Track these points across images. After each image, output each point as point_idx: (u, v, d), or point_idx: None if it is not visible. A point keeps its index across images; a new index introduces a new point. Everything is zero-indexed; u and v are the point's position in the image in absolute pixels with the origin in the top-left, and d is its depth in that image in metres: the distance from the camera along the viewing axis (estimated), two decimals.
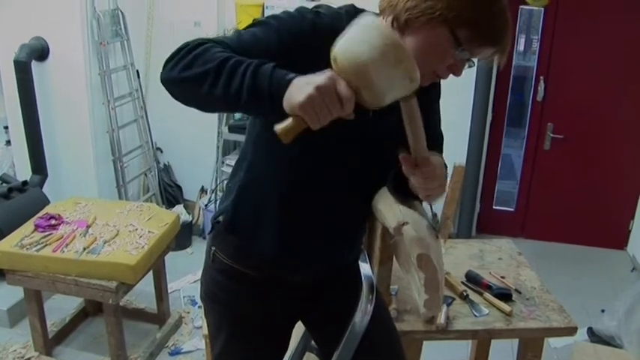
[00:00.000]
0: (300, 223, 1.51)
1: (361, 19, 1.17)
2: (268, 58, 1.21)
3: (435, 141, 1.53)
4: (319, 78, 1.11)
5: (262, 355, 1.71)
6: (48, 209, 3.17)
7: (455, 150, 4.51)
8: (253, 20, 1.39)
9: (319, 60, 1.17)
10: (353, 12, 1.39)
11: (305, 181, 1.47)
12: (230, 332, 1.67)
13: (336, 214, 1.53)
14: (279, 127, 1.15)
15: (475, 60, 1.35)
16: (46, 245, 2.80)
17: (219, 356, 1.72)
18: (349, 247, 1.68)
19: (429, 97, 1.50)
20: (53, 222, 2.98)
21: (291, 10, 1.37)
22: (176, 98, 1.31)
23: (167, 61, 1.29)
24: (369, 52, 1.11)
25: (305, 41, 1.29)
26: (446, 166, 1.52)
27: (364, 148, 1.42)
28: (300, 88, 1.11)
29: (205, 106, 1.32)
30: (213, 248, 1.61)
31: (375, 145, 1.40)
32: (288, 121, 1.14)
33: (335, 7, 1.41)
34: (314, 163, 1.43)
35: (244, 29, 1.37)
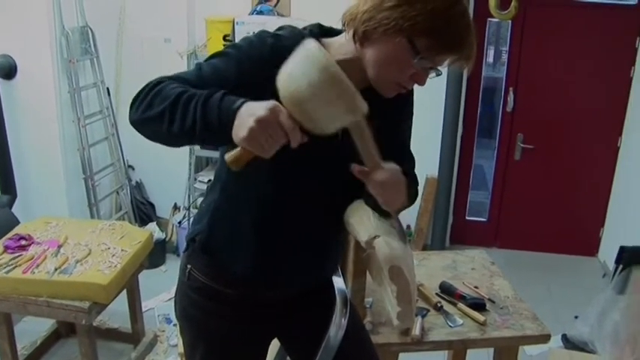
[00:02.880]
0: (275, 242, 1.51)
1: (302, 49, 1.14)
2: (228, 88, 1.23)
3: (403, 161, 1.45)
4: (261, 110, 1.12)
5: None
6: (17, 230, 3.11)
7: (427, 162, 4.56)
8: (214, 52, 1.41)
9: None
10: (317, 32, 1.40)
11: (278, 202, 1.46)
12: (205, 351, 1.66)
13: (311, 231, 1.53)
14: (227, 157, 1.17)
15: (442, 68, 1.33)
16: (16, 267, 2.74)
17: None
18: (326, 263, 1.68)
19: (398, 116, 1.52)
20: (23, 243, 2.93)
21: (253, 35, 1.38)
22: (147, 138, 1.32)
23: (132, 103, 1.31)
24: (306, 89, 1.11)
25: (266, 66, 1.27)
26: (415, 181, 1.55)
27: (334, 167, 1.40)
28: (243, 122, 1.13)
29: (171, 143, 1.32)
30: (189, 266, 1.60)
31: (345, 162, 1.36)
32: (237, 151, 1.16)
33: (299, 27, 1.41)
34: (286, 185, 1.43)
35: (205, 61, 1.38)
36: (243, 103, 1.16)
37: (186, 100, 1.21)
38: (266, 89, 1.20)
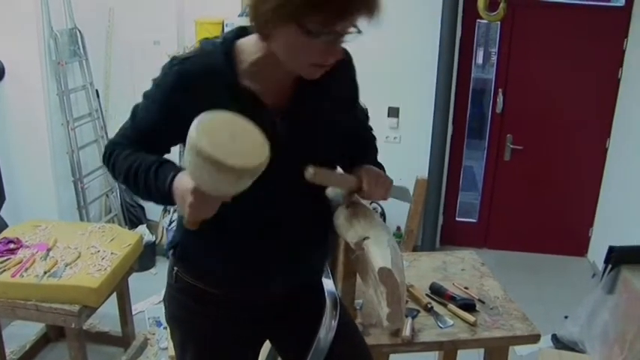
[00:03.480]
0: (248, 248, 1.50)
1: (191, 134, 1.16)
2: (161, 128, 1.39)
3: (366, 127, 1.67)
4: (179, 196, 1.25)
5: None
6: (6, 233, 3.09)
7: (417, 163, 4.58)
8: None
9: (208, 96, 1.30)
10: (232, 37, 1.42)
11: (245, 214, 1.45)
12: (195, 352, 1.65)
13: (283, 234, 1.51)
14: (184, 221, 1.29)
15: (353, 29, 1.28)
16: (5, 270, 2.73)
17: None
18: (308, 264, 1.65)
19: (346, 88, 1.52)
20: (12, 246, 2.91)
21: (166, 63, 1.43)
22: None
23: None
24: (203, 182, 1.18)
25: (176, 94, 1.34)
26: (379, 165, 1.62)
27: (281, 174, 1.35)
28: (179, 203, 1.27)
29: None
30: (175, 268, 1.60)
31: (289, 165, 1.36)
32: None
33: (217, 40, 1.42)
34: (247, 205, 1.38)
35: (137, 105, 1.47)
36: (170, 183, 1.28)
37: (133, 179, 1.38)
38: (192, 113, 1.21)
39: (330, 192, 1.57)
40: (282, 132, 1.36)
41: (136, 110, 1.46)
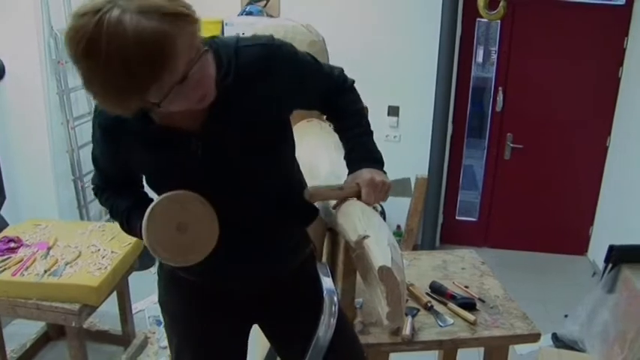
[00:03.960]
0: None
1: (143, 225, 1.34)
2: (121, 170, 1.51)
3: (330, 87, 1.62)
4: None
5: None
6: (6, 232, 3.09)
7: (417, 162, 4.57)
8: None
9: (129, 142, 1.39)
10: None
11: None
12: (182, 338, 1.71)
13: (246, 224, 1.51)
14: None
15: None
16: (5, 269, 2.73)
17: None
18: (278, 252, 1.63)
19: (272, 91, 1.42)
20: (12, 245, 2.92)
21: None
22: None
23: None
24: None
25: (110, 142, 1.44)
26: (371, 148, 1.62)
27: (222, 171, 1.41)
28: None
29: None
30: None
31: (231, 161, 1.41)
32: None
33: None
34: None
35: (93, 153, 1.55)
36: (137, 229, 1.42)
37: (117, 219, 1.57)
38: (131, 154, 1.42)
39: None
40: (204, 154, 1.37)
41: (93, 155, 1.55)
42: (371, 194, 1.53)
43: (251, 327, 1.78)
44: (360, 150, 1.61)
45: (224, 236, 1.45)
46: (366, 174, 1.54)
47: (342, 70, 1.66)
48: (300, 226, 1.67)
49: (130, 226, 1.51)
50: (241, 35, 1.47)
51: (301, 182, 1.63)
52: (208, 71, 1.23)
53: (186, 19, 1.15)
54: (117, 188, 1.58)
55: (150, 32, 1.07)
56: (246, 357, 1.81)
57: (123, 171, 1.52)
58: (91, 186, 1.66)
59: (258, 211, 1.51)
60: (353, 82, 1.68)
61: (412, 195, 1.66)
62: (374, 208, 1.53)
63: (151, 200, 1.46)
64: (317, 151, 1.91)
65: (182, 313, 1.69)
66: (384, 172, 1.60)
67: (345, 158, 1.64)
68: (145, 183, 1.53)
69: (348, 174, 1.60)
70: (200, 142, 1.36)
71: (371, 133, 1.66)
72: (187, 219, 1.35)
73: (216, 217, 1.38)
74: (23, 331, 3.35)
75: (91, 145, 1.54)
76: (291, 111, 1.55)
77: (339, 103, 1.63)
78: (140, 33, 1.07)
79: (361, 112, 1.67)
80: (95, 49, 1.08)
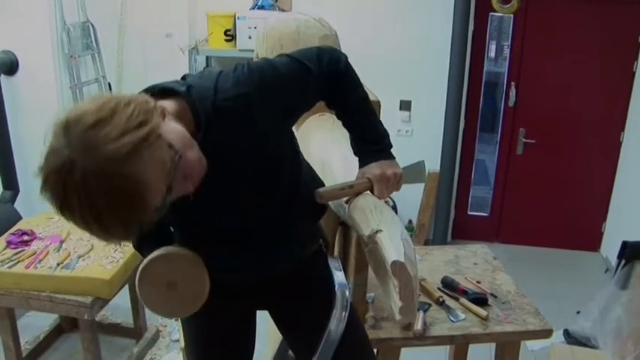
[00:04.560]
0: (223, 248, 1.51)
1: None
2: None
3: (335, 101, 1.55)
4: None
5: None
6: (20, 225, 3.12)
7: (429, 156, 4.55)
8: None
9: None
10: None
11: (214, 230, 1.50)
12: (194, 326, 1.72)
13: (257, 230, 1.51)
14: None
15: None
16: (19, 262, 2.75)
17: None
18: (283, 251, 1.62)
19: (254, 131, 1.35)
20: (26, 238, 2.94)
21: None
22: None
23: None
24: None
25: None
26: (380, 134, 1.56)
27: (232, 196, 1.41)
28: None
29: None
30: None
31: (236, 185, 1.40)
32: None
33: None
34: (212, 224, 1.47)
35: None
36: None
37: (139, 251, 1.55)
38: None
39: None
40: (202, 202, 1.33)
41: None
42: (383, 190, 1.52)
43: (256, 312, 1.80)
44: (366, 141, 1.57)
45: (232, 243, 1.46)
46: (375, 169, 1.52)
47: (331, 55, 1.49)
48: (310, 224, 1.67)
49: (143, 254, 1.50)
50: (220, 73, 1.34)
51: (311, 182, 1.61)
52: (191, 165, 1.19)
53: (146, 142, 1.07)
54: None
55: (117, 188, 1.04)
56: (254, 340, 1.83)
57: None
58: None
59: (266, 223, 1.51)
60: (346, 61, 1.51)
61: (426, 180, 1.64)
62: (386, 202, 1.52)
63: (162, 228, 1.52)
64: (329, 147, 1.90)
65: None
66: (393, 158, 1.56)
67: (352, 147, 1.61)
68: None
69: (359, 167, 1.59)
70: (193, 195, 1.28)
71: (374, 117, 1.58)
72: (176, 277, 1.39)
73: (205, 272, 1.42)
74: (37, 323, 3.37)
75: None
76: (288, 130, 1.50)
77: (337, 94, 1.53)
78: (108, 192, 1.04)
79: (360, 97, 1.55)
80: (70, 210, 1.08)
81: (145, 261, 1.37)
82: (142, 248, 1.52)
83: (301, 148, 1.62)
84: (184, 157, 1.16)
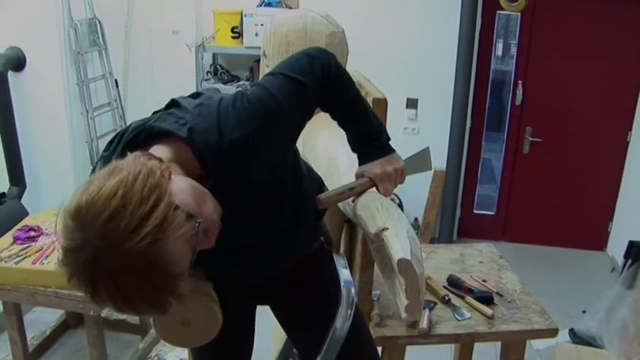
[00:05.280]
0: (228, 260, 1.48)
1: None
2: None
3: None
4: None
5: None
6: (27, 221, 3.12)
7: (435, 155, 4.52)
8: None
9: None
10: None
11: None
12: None
13: (259, 244, 1.51)
14: None
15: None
16: (26, 257, 2.75)
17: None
18: (296, 246, 1.62)
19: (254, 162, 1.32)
20: (32, 234, 2.94)
21: None
22: None
23: None
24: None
25: None
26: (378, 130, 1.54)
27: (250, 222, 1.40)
28: None
29: None
30: None
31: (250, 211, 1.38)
32: None
33: None
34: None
35: None
36: None
37: None
38: None
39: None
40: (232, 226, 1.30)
41: None
42: (387, 187, 1.51)
43: (256, 308, 1.80)
44: (363, 139, 1.54)
45: (235, 253, 1.44)
46: (375, 168, 1.51)
47: (322, 60, 1.42)
48: (312, 223, 1.66)
49: None
50: (220, 108, 1.27)
51: (311, 182, 1.60)
52: (209, 222, 1.17)
53: (165, 222, 1.04)
54: None
55: (145, 276, 1.03)
56: (252, 339, 1.84)
57: None
58: None
59: (270, 235, 1.50)
60: (336, 63, 1.46)
61: (432, 167, 1.62)
62: (391, 199, 1.52)
63: None
64: (335, 144, 1.90)
65: None
66: (393, 152, 1.54)
67: (351, 147, 1.58)
68: None
69: (358, 165, 1.57)
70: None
71: (369, 114, 1.53)
72: (190, 315, 1.43)
73: (218, 308, 1.44)
74: (43, 319, 3.39)
75: (110, 135, 1.51)
76: (292, 151, 1.48)
77: (330, 98, 1.48)
78: (137, 282, 1.02)
79: (354, 96, 1.51)
80: (103, 303, 1.06)
81: None
82: None
83: (307, 146, 1.62)
84: (203, 218, 1.13)
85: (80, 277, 1.04)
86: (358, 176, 1.55)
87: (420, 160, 1.66)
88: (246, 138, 1.23)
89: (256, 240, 1.48)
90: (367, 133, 1.54)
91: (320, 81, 1.40)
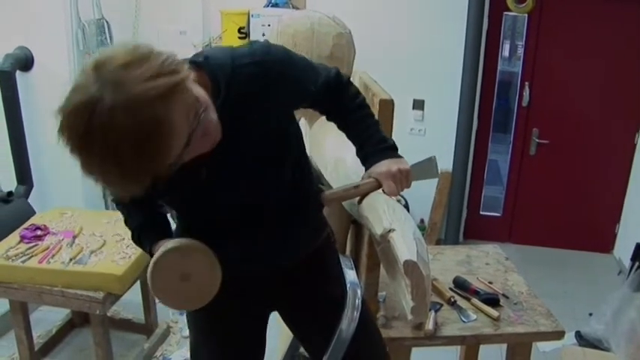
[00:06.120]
0: (233, 237, 1.51)
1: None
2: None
3: (325, 97, 1.57)
4: None
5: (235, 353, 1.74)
6: (34, 220, 3.14)
7: (441, 156, 4.50)
8: None
9: None
10: None
11: (220, 219, 1.51)
12: (205, 329, 1.72)
13: (263, 219, 1.52)
14: None
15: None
16: (32, 256, 2.77)
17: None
18: (301, 234, 1.64)
19: (268, 107, 1.41)
20: (39, 233, 2.96)
21: None
22: None
23: None
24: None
25: None
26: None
27: (233, 181, 1.41)
28: None
29: None
30: None
31: (237, 191, 1.42)
32: None
33: None
34: (212, 210, 1.48)
35: None
36: (151, 250, 1.46)
37: (130, 231, 1.60)
38: None
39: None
40: (213, 175, 1.36)
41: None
42: (392, 185, 1.52)
43: (269, 313, 1.78)
44: (370, 143, 1.58)
45: (240, 233, 1.47)
46: (380, 167, 1.54)
47: (338, 71, 1.60)
48: (315, 211, 1.67)
49: (142, 245, 1.53)
50: (234, 47, 1.40)
51: (316, 179, 1.65)
52: (210, 124, 1.22)
53: (178, 87, 1.10)
54: (136, 204, 1.56)
55: (144, 126, 1.04)
56: (264, 343, 1.82)
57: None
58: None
59: (272, 209, 1.51)
60: (348, 78, 1.64)
61: (439, 175, 1.63)
62: (397, 200, 1.52)
63: (162, 219, 1.55)
64: (342, 145, 1.91)
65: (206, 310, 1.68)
66: (400, 157, 1.58)
67: (357, 155, 1.62)
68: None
69: (365, 170, 1.58)
70: (210, 167, 1.34)
71: (377, 122, 1.63)
72: (190, 269, 1.39)
73: (218, 265, 1.41)
74: (49, 318, 3.40)
75: None
76: (293, 116, 1.53)
77: (340, 101, 1.59)
78: (134, 130, 1.03)
79: (363, 104, 1.62)
80: (89, 148, 1.07)
81: (160, 251, 1.36)
82: (142, 237, 1.53)
83: (315, 147, 1.62)
84: (206, 119, 1.19)
85: (77, 117, 1.06)
86: (364, 178, 1.56)
87: (426, 168, 1.67)
88: (257, 64, 1.33)
89: (257, 202, 1.47)
90: (374, 137, 1.58)
91: (332, 78, 1.55)
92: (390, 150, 1.58)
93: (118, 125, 1.02)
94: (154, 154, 1.07)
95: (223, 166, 1.36)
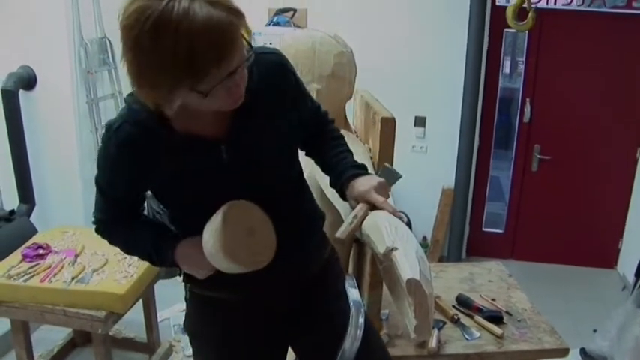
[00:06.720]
0: None
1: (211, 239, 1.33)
2: (131, 193, 1.53)
3: (323, 121, 1.70)
4: (194, 268, 1.48)
5: None
6: (36, 239, 3.14)
7: (443, 173, 4.55)
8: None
9: (151, 153, 1.37)
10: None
11: None
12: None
13: (273, 218, 1.49)
14: None
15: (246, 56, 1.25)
16: (34, 275, 2.76)
17: None
18: (309, 243, 1.66)
19: (284, 98, 1.49)
20: (41, 251, 2.96)
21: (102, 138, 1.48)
22: None
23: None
24: (217, 264, 1.37)
25: (128, 160, 1.40)
26: (363, 168, 1.62)
27: (245, 177, 1.44)
28: (192, 271, 1.49)
29: None
30: (189, 285, 1.66)
31: (253, 177, 1.45)
32: None
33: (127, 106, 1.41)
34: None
35: (97, 180, 1.55)
36: (173, 254, 1.47)
37: (131, 252, 1.63)
38: (147, 169, 1.40)
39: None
40: (231, 157, 1.40)
41: (99, 185, 1.53)
42: (377, 198, 1.51)
43: (286, 351, 1.77)
44: (350, 170, 1.60)
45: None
46: (362, 187, 1.53)
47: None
48: (319, 219, 1.70)
49: (161, 257, 1.50)
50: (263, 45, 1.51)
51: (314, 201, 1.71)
52: (242, 81, 1.28)
53: (243, 18, 1.20)
54: (129, 219, 1.60)
55: (219, 20, 1.12)
56: None
57: (135, 192, 1.53)
58: (94, 225, 1.65)
59: (283, 208, 1.51)
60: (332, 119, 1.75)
61: (400, 177, 1.66)
62: (400, 218, 1.52)
63: (168, 229, 1.56)
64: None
65: (214, 337, 1.68)
66: (368, 173, 1.61)
67: (334, 186, 1.63)
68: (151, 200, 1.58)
69: (348, 195, 1.59)
70: (226, 146, 1.39)
71: (350, 150, 1.69)
72: (254, 223, 1.39)
73: (269, 220, 1.42)
74: (51, 337, 3.38)
75: None
76: (297, 124, 1.57)
77: (325, 132, 1.69)
78: (210, 20, 1.11)
79: (341, 138, 1.71)
80: (163, 31, 1.10)
81: (225, 207, 1.34)
82: (160, 244, 1.51)
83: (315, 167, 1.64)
84: (244, 68, 1.26)
85: None
86: (351, 205, 1.56)
87: (390, 174, 1.68)
88: (274, 53, 1.48)
89: (272, 191, 1.49)
90: (349, 161, 1.63)
91: (321, 111, 1.69)
92: (363, 169, 1.61)
93: (196, 14, 1.10)
94: (220, 52, 1.14)
95: (242, 146, 1.40)
